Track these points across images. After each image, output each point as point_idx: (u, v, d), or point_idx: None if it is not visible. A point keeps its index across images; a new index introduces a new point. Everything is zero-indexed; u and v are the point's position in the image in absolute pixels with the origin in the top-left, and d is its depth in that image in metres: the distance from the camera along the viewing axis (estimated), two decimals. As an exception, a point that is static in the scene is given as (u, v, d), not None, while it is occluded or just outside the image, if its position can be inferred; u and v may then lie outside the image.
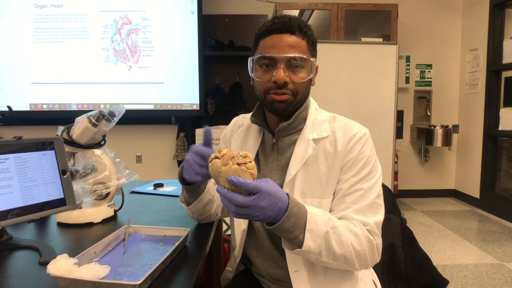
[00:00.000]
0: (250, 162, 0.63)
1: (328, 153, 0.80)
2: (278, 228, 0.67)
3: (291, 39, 0.76)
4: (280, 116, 0.83)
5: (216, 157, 0.64)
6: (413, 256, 1.03)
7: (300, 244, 0.68)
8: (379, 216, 0.77)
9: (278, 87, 0.77)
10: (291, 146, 0.84)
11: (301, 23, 0.78)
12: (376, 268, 0.94)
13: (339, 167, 0.79)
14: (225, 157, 0.63)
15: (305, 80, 0.79)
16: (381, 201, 0.78)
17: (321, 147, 0.81)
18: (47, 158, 0.84)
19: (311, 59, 0.79)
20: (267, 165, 0.87)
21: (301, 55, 0.77)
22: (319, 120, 0.84)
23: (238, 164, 0.62)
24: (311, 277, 0.78)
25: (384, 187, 1.01)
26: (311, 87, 0.85)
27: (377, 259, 0.76)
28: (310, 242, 0.68)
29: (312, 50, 0.81)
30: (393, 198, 1.08)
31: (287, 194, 0.68)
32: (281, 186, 0.81)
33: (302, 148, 0.81)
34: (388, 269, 1.00)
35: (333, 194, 0.79)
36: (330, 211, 0.78)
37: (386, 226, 0.97)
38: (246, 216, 0.63)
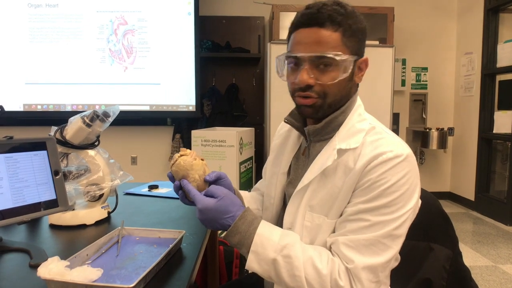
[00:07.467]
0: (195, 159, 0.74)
1: (348, 168, 0.68)
2: (227, 240, 0.70)
3: (318, 34, 0.67)
4: (312, 119, 0.75)
5: (182, 155, 0.73)
6: None
7: None
8: (380, 258, 0.63)
9: (302, 89, 0.69)
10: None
11: (334, 11, 0.67)
12: None
13: (352, 187, 0.67)
14: (192, 153, 0.73)
15: (336, 80, 0.68)
16: (392, 244, 0.64)
17: (344, 159, 0.69)
18: (39, 158, 0.82)
19: (343, 56, 0.67)
20: (296, 170, 0.80)
21: (328, 53, 0.66)
22: (356, 128, 0.71)
23: (202, 159, 0.74)
24: None
25: (437, 209, 0.88)
26: (359, 84, 0.75)
27: None
28: (254, 264, 0.67)
29: (350, 43, 0.69)
30: (447, 224, 0.87)
31: (245, 208, 0.70)
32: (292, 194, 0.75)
33: (324, 158, 0.71)
34: None
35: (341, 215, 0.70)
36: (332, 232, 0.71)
37: (423, 257, 0.84)
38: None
